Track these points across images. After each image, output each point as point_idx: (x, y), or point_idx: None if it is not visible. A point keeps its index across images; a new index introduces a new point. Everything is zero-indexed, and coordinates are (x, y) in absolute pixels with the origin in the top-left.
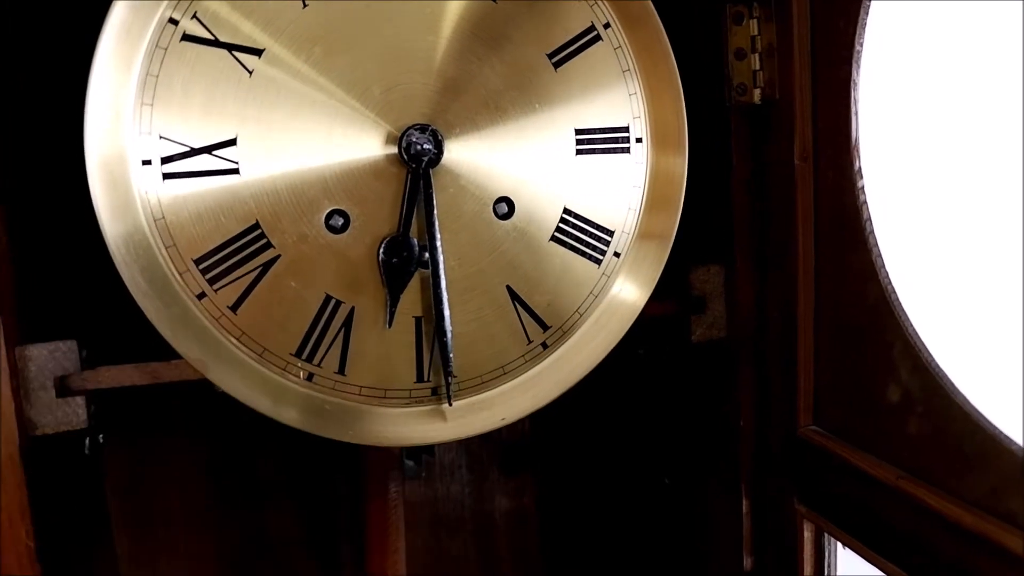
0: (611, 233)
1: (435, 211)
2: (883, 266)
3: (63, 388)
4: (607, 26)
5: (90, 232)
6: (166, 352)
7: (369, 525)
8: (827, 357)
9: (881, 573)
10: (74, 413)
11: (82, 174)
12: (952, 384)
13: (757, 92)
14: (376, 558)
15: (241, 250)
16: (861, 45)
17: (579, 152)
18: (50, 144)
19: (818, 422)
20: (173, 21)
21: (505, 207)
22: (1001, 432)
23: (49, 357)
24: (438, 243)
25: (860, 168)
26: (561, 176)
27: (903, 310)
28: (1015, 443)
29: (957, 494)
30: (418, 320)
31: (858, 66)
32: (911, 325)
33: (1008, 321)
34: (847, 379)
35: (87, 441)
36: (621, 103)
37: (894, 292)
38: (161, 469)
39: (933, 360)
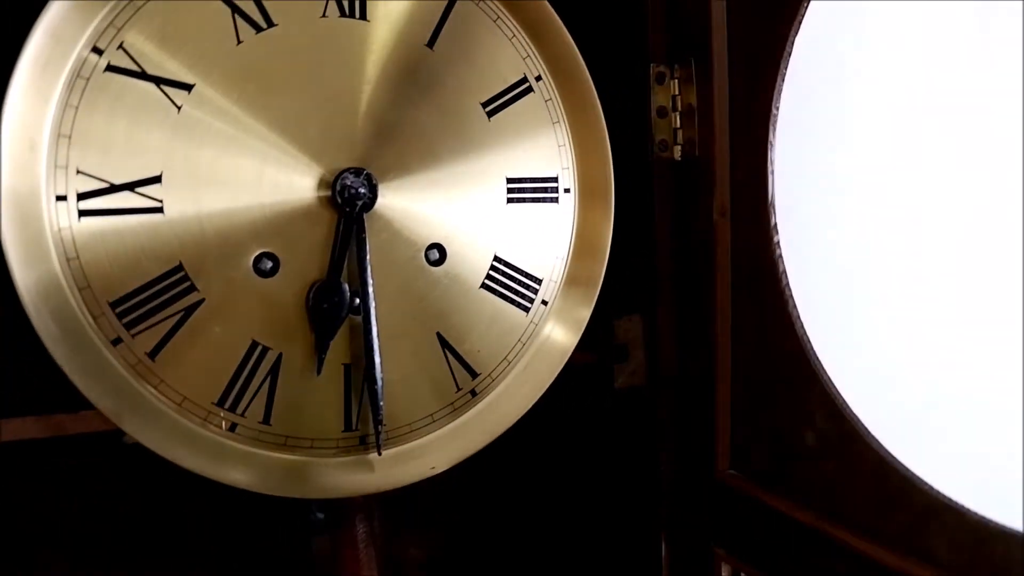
0: (539, 281)
1: (368, 256)
2: (798, 317)
3: None
4: (539, 78)
5: None
6: (72, 401)
7: (344, 569)
8: (745, 404)
9: None
10: None
11: None
12: (866, 429)
13: (678, 149)
14: None
15: (162, 293)
16: (777, 109)
17: (510, 201)
18: None
19: (736, 467)
20: (97, 51)
21: (437, 253)
22: (913, 473)
23: None
24: (370, 289)
25: (776, 224)
26: (492, 224)
27: (818, 359)
28: (926, 483)
29: (875, 534)
30: (347, 367)
31: (774, 128)
32: (826, 373)
33: (921, 368)
34: (765, 425)
35: None
36: (551, 154)
37: (809, 342)
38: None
39: (847, 406)
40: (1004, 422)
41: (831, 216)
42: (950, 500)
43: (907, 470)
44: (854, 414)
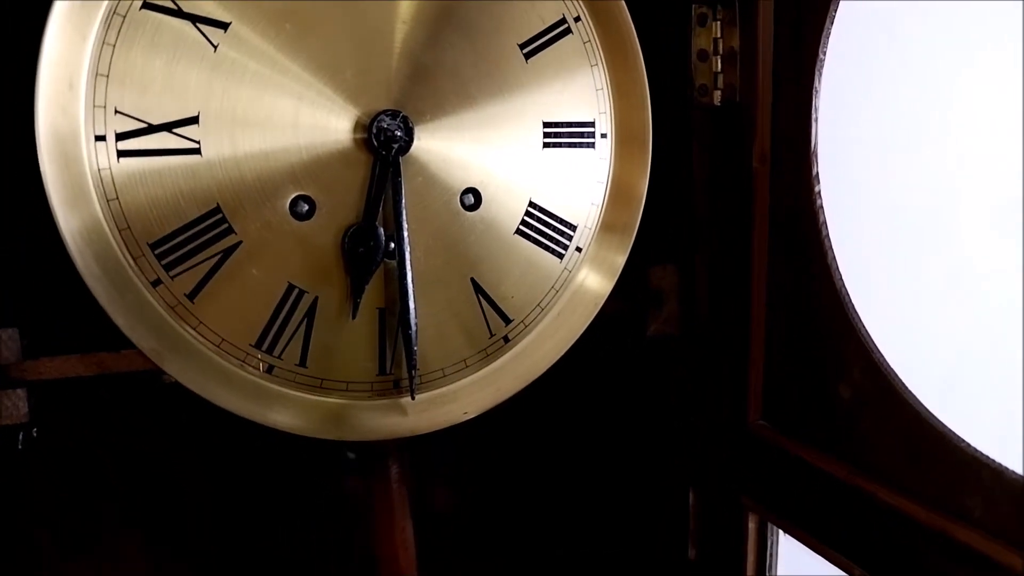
0: (574, 228)
1: (403, 201)
2: (837, 268)
3: (3, 379)
4: (577, 19)
5: (36, 212)
6: (113, 340)
7: (377, 509)
8: (779, 355)
9: (826, 563)
10: (14, 406)
11: (27, 149)
12: (903, 383)
13: (718, 94)
14: (385, 541)
15: (200, 235)
16: (824, 54)
17: (546, 145)
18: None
19: (768, 418)
20: None
21: (472, 198)
22: (950, 430)
23: None
24: (405, 233)
25: (817, 173)
26: (528, 169)
27: (855, 311)
28: (963, 440)
29: (909, 490)
30: (381, 312)
31: (820, 75)
32: (863, 326)
33: (960, 325)
34: (799, 376)
35: (20, 436)
36: (588, 98)
37: (847, 294)
38: (102, 465)
39: (884, 360)
40: None
41: (875, 167)
42: (986, 457)
43: (944, 426)
44: (891, 368)
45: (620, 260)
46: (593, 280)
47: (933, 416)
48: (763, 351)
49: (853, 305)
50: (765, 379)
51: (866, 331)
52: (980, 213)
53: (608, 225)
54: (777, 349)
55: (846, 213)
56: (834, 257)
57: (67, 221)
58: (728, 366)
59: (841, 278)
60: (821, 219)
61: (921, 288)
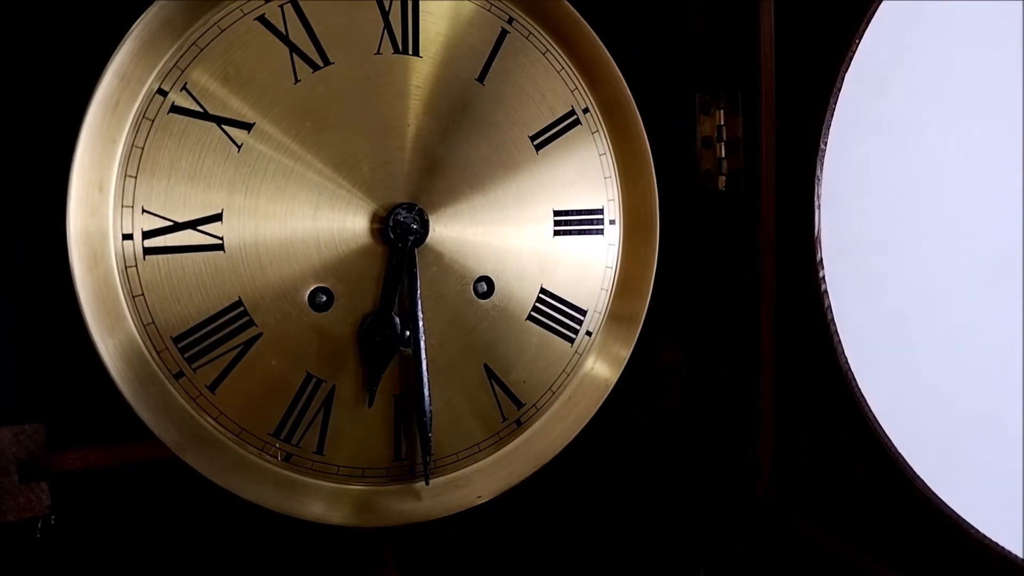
0: (584, 312)
1: (419, 290)
2: (843, 352)
3: (27, 472)
4: (586, 111)
5: (63, 309)
6: (135, 431)
7: None
8: (787, 434)
9: None
10: (37, 499)
11: (56, 247)
12: (911, 468)
13: (722, 179)
14: None
15: (222, 328)
16: (825, 144)
17: (556, 233)
18: (24, 217)
19: (777, 495)
20: (162, 92)
21: (485, 286)
22: (958, 516)
23: (13, 440)
24: (420, 323)
25: (821, 259)
26: (539, 256)
27: (862, 394)
28: (972, 527)
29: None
30: (397, 398)
31: (822, 163)
32: (870, 408)
33: (964, 393)
34: (807, 454)
35: (39, 524)
36: (597, 185)
37: (854, 377)
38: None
39: (892, 443)
40: None
41: (880, 249)
42: (995, 543)
43: (951, 511)
44: (899, 452)
45: (630, 343)
46: (603, 363)
47: (941, 501)
48: (772, 431)
49: (860, 387)
50: (774, 457)
51: (872, 414)
52: (982, 283)
53: (617, 310)
54: (785, 428)
55: (851, 289)
56: (840, 341)
57: (94, 318)
58: (737, 444)
59: (847, 360)
60: (826, 303)
61: (926, 359)
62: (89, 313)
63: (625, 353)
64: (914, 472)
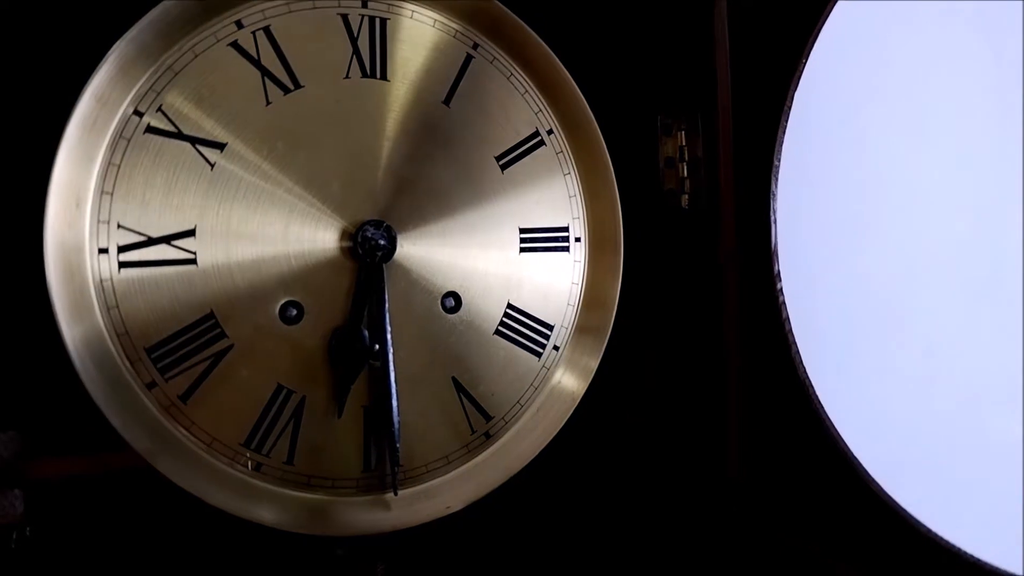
0: (551, 328)
1: (387, 305)
2: (801, 362)
3: (2, 479)
4: (550, 132)
5: (39, 320)
6: (106, 440)
7: None
8: (751, 444)
9: None
10: (11, 506)
11: (32, 259)
12: (865, 470)
13: (685, 198)
14: None
15: (194, 340)
16: (779, 161)
17: (523, 250)
18: (0, 229)
19: (744, 505)
20: (138, 113)
21: (452, 301)
22: (906, 511)
23: None
24: (388, 336)
25: (779, 271)
26: (506, 272)
27: (820, 403)
28: (920, 523)
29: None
30: (366, 410)
31: (776, 179)
32: (828, 416)
33: (919, 407)
34: (770, 463)
35: (14, 535)
36: (562, 204)
37: (811, 385)
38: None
39: (848, 446)
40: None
41: (835, 259)
42: (942, 539)
43: (899, 506)
44: (855, 456)
45: (596, 357)
46: (570, 377)
47: (894, 501)
48: (737, 438)
49: (818, 395)
50: (740, 465)
51: (830, 421)
52: (944, 289)
53: (584, 323)
54: (751, 435)
55: (809, 300)
56: (798, 351)
57: (70, 328)
58: (705, 453)
59: (805, 369)
60: (784, 314)
61: (887, 372)
62: (64, 324)
63: (593, 365)
64: (869, 476)
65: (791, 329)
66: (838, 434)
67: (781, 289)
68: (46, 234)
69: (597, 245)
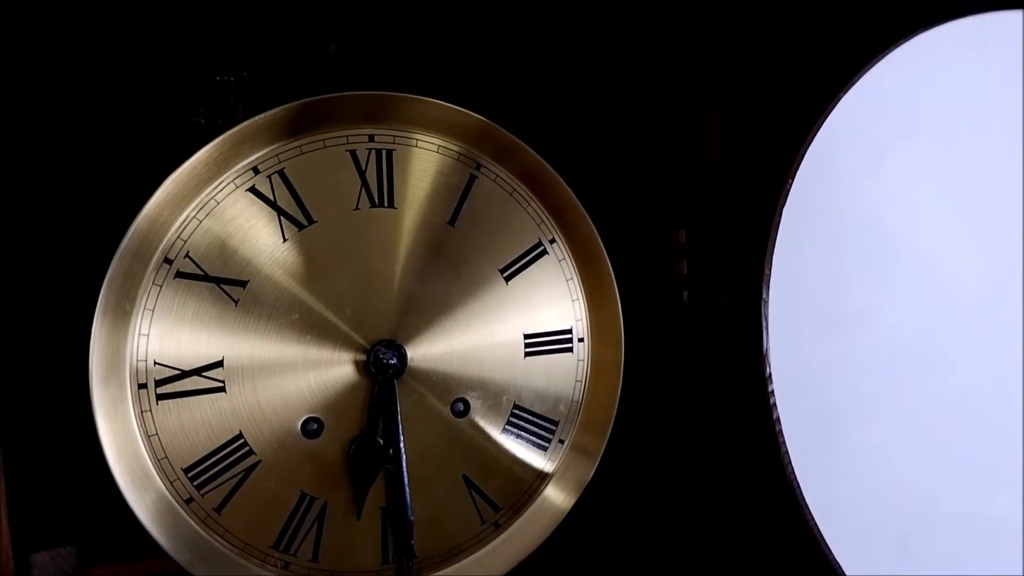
0: (556, 423)
1: (399, 417)
2: (790, 463)
3: None
4: (552, 241)
5: (86, 446)
6: (149, 549)
7: None
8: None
9: None
10: None
11: (77, 389)
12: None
13: (686, 293)
14: None
15: (226, 458)
16: (770, 269)
17: (528, 354)
18: (43, 359)
19: None
20: (168, 261)
21: (461, 406)
22: None
23: (51, 562)
24: (401, 444)
25: (771, 374)
26: (512, 376)
27: (811, 513)
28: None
29: None
30: (383, 510)
31: (767, 287)
32: (819, 530)
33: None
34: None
35: None
36: (565, 308)
37: (802, 494)
38: None
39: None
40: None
41: (826, 362)
42: None
43: None
44: (838, 563)
45: (599, 447)
46: (575, 468)
47: None
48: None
49: (808, 506)
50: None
51: (820, 534)
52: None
53: (587, 421)
54: (738, 535)
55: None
56: (787, 451)
57: (117, 461)
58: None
59: (794, 472)
60: (775, 415)
61: (886, 482)
62: (112, 459)
63: (598, 451)
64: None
65: (781, 429)
66: (822, 537)
67: (773, 391)
68: (91, 380)
69: (600, 343)
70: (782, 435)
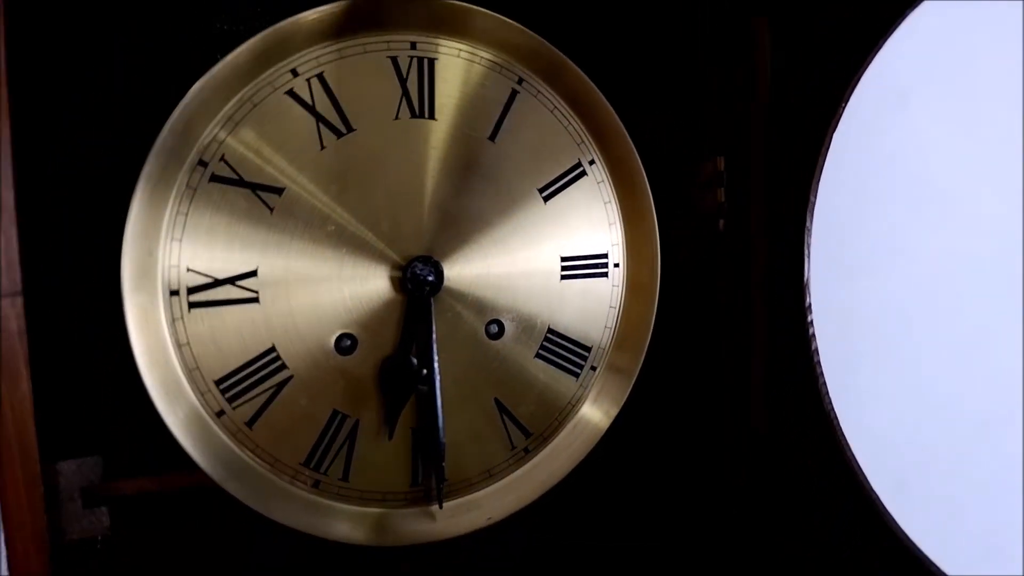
0: (589, 349)
1: (434, 336)
2: (827, 393)
3: (89, 498)
4: (592, 162)
5: (115, 355)
6: (177, 462)
7: None
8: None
9: None
10: (98, 521)
11: (108, 297)
12: (886, 509)
13: (722, 222)
14: None
15: (258, 372)
16: (815, 196)
17: (563, 277)
18: (76, 268)
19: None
20: (203, 163)
21: (496, 328)
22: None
23: (76, 471)
24: (435, 365)
25: (810, 304)
26: (547, 299)
27: (846, 440)
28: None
29: None
30: (414, 431)
31: (811, 215)
32: (852, 453)
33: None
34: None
35: (99, 537)
36: (602, 232)
37: (837, 420)
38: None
39: (872, 487)
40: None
41: (868, 294)
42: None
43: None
44: (877, 496)
45: (629, 383)
46: (604, 398)
47: (914, 545)
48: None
49: (843, 430)
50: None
51: (856, 462)
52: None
53: (620, 347)
54: (772, 461)
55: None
56: (825, 382)
57: (147, 368)
58: (730, 479)
59: (831, 402)
60: (814, 346)
61: (919, 412)
62: (143, 364)
63: (627, 386)
64: (889, 515)
65: (819, 360)
66: (858, 466)
67: (812, 321)
68: (124, 281)
69: (635, 269)
70: (820, 365)
